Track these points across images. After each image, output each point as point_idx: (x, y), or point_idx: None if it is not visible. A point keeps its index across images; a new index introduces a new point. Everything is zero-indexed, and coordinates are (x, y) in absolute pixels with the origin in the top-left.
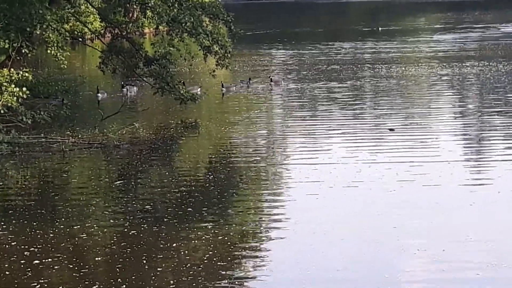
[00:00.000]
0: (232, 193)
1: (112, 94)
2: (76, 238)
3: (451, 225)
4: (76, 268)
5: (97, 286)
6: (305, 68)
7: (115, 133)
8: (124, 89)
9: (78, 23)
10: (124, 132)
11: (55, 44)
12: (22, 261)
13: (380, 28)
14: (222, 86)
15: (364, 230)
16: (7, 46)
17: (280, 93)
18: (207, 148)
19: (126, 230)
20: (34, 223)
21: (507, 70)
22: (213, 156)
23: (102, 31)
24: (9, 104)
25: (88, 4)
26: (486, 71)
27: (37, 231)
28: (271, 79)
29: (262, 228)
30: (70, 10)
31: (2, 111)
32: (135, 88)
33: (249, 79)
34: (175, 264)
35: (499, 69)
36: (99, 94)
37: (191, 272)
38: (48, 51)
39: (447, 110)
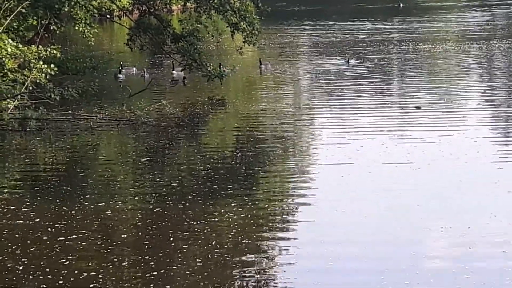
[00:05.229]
0: (258, 171)
1: (129, 73)
2: (102, 215)
3: (476, 202)
4: (103, 245)
5: (126, 263)
6: (331, 45)
7: (143, 110)
8: (120, 75)
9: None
10: (151, 109)
11: (83, 21)
12: (46, 238)
13: (401, 5)
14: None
15: (388, 208)
16: (35, 23)
17: (306, 71)
18: (234, 126)
19: (152, 207)
20: (60, 200)
21: None
22: (240, 134)
23: (130, 8)
24: (38, 81)
25: None
26: None
27: (63, 208)
28: (260, 61)
29: (287, 205)
30: None
31: (30, 88)
32: (134, 69)
33: (348, 59)
34: (201, 241)
35: None
36: (119, 75)
37: (217, 250)
38: (76, 28)
39: (474, 89)
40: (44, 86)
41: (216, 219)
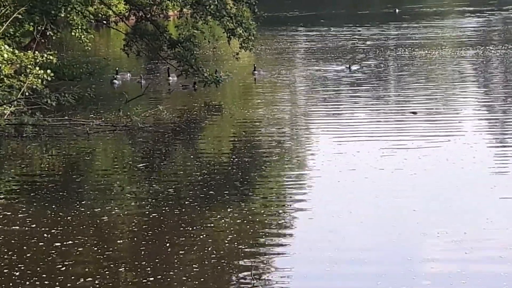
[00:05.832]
0: (255, 176)
1: (124, 79)
2: (98, 221)
3: (473, 208)
4: (99, 250)
5: (122, 268)
6: (327, 51)
7: (139, 116)
8: (115, 81)
9: (102, 5)
10: (148, 114)
11: (79, 27)
12: (42, 244)
13: (397, 10)
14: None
15: (385, 213)
16: (31, 29)
17: (303, 77)
18: (230, 131)
19: (148, 213)
20: (56, 206)
21: None
22: (236, 139)
23: (126, 14)
24: (34, 87)
25: None
26: (510, 54)
27: (59, 214)
28: (254, 67)
29: (284, 211)
30: None
31: (27, 94)
32: (129, 75)
33: (350, 65)
34: (198, 247)
35: None
36: (115, 81)
37: (214, 255)
38: (72, 34)
39: (470, 94)
40: (41, 92)
41: (212, 225)
